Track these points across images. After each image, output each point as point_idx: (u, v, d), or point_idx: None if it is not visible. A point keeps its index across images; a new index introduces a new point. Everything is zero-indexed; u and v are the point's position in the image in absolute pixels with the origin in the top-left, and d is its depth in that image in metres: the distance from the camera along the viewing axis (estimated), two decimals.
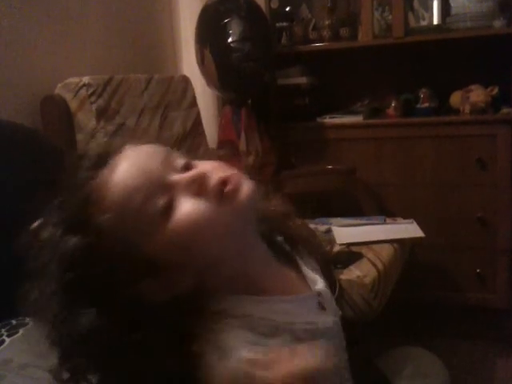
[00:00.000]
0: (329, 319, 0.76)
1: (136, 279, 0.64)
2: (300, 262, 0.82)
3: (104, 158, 0.69)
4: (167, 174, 0.67)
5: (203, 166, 0.68)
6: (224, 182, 0.66)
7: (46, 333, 0.65)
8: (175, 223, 0.64)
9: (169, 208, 0.64)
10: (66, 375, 0.65)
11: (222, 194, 0.65)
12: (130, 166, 0.67)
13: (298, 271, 0.80)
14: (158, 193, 0.65)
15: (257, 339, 0.64)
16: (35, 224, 0.69)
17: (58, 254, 0.64)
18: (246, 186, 0.68)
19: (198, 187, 0.65)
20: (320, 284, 0.79)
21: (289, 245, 0.83)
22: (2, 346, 1.07)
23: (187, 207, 0.64)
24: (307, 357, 0.58)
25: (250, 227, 0.71)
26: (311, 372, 0.57)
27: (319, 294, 0.77)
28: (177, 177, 0.67)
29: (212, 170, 0.68)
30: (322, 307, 0.76)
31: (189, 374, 0.62)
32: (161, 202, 0.64)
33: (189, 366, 0.62)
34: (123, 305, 0.63)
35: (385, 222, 2.23)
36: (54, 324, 0.64)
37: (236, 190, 0.66)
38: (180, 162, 0.69)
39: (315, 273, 0.81)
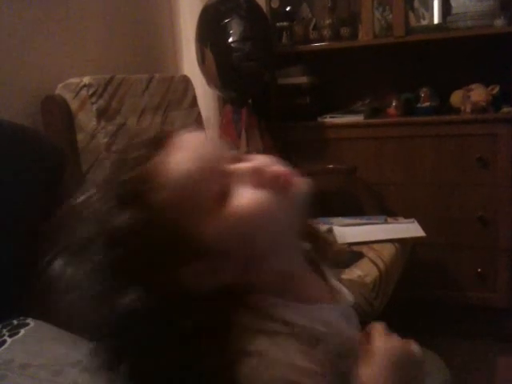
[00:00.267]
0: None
1: (183, 261, 0.64)
2: (327, 272, 0.81)
3: (160, 140, 0.69)
4: (223, 162, 0.68)
5: (258, 159, 0.69)
6: (281, 175, 0.68)
7: (84, 311, 0.65)
8: (234, 210, 0.65)
9: (225, 194, 0.65)
10: (100, 360, 0.64)
11: (280, 186, 0.67)
12: (188, 149, 0.67)
13: (325, 280, 0.80)
14: (214, 178, 0.65)
15: (302, 348, 0.64)
16: (80, 198, 0.68)
17: (108, 228, 0.63)
18: (301, 181, 0.70)
19: (257, 178, 0.67)
20: (350, 296, 0.79)
21: (316, 252, 0.81)
22: (4, 347, 1.08)
23: (247, 196, 0.65)
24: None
25: (297, 224, 0.72)
26: (413, 355, 0.72)
27: (349, 306, 0.77)
28: (234, 166, 0.68)
29: (268, 163, 0.69)
30: (349, 320, 0.76)
31: (225, 370, 0.62)
32: (218, 187, 0.65)
33: (227, 363, 0.62)
34: (168, 287, 0.63)
35: (386, 222, 2.23)
36: (93, 302, 0.63)
37: (293, 184, 0.69)
38: (231, 152, 0.70)
39: (340, 283, 0.81)
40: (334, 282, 0.81)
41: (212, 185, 0.65)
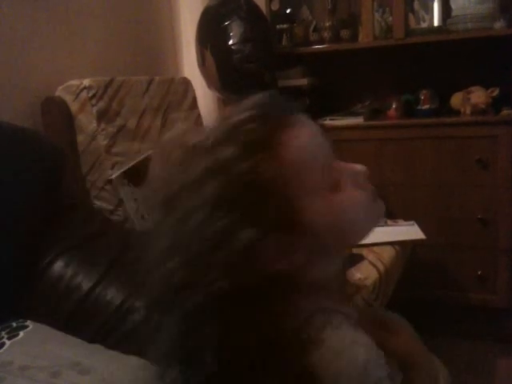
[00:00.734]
0: None
1: (277, 225, 0.65)
2: None
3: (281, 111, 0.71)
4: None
5: (357, 165, 0.75)
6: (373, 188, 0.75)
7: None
8: (340, 201, 0.70)
9: (337, 185, 0.70)
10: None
11: (375, 196, 0.75)
12: (314, 132, 0.71)
13: None
14: (331, 168, 0.70)
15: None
16: (199, 140, 0.69)
17: (233, 171, 0.64)
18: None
19: (362, 181, 0.73)
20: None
21: None
22: (3, 349, 1.08)
23: (355, 194, 0.72)
24: None
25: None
26: None
27: None
28: (345, 164, 0.73)
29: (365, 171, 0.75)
30: None
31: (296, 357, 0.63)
32: (334, 176, 0.70)
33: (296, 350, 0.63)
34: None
35: (386, 224, 2.23)
36: (203, 238, 0.63)
37: (379, 200, 0.76)
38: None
39: None
40: None
41: (330, 171, 0.70)
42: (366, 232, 0.76)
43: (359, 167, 0.74)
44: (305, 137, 0.69)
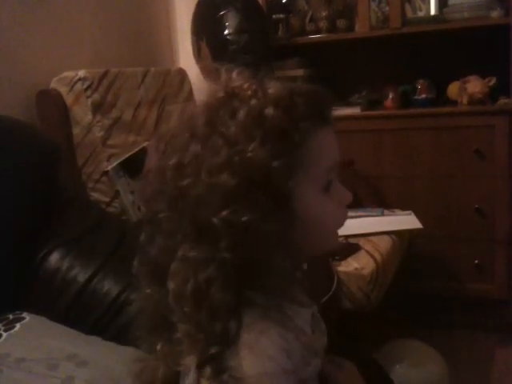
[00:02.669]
0: (323, 339, 0.79)
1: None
2: None
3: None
4: None
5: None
6: None
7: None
8: (325, 203, 0.75)
9: (327, 189, 0.76)
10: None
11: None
12: (335, 138, 0.82)
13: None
14: (332, 174, 0.78)
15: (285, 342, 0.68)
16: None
17: (268, 119, 0.71)
18: None
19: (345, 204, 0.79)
20: (314, 307, 0.80)
21: None
22: None
23: (339, 207, 0.78)
24: None
25: None
26: None
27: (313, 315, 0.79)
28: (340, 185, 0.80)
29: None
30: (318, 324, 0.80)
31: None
32: (329, 180, 0.77)
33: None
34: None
35: (383, 214, 2.23)
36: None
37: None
38: None
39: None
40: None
41: (330, 175, 0.77)
42: (320, 247, 0.78)
43: (349, 193, 0.80)
44: (329, 138, 0.78)
